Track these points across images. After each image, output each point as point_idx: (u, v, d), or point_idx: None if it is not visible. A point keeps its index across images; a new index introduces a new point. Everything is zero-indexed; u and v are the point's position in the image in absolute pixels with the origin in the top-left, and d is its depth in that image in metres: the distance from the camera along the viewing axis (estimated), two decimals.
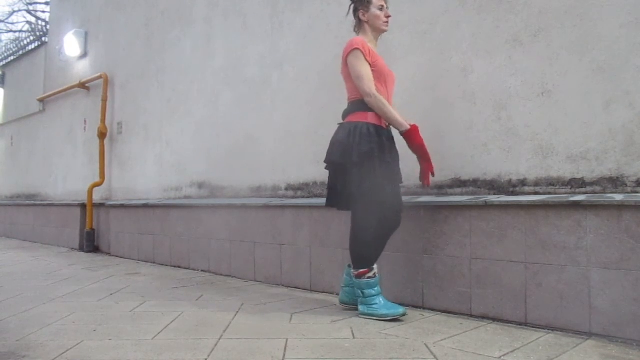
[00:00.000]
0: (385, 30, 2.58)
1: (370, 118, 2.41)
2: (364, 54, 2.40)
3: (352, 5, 2.59)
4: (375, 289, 2.40)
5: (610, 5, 2.18)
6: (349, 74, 2.48)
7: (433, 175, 2.46)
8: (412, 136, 2.38)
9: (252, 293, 3.12)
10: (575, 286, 2.13)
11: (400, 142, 2.49)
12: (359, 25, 2.58)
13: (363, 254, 2.41)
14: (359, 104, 2.45)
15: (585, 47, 2.24)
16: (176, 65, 4.69)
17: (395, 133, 2.50)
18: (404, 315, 2.35)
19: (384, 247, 2.53)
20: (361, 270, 2.41)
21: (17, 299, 2.97)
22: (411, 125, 2.38)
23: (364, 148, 2.35)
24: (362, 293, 2.41)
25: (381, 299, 2.40)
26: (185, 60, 4.59)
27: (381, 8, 2.53)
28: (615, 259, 2.03)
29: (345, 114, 2.52)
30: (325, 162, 2.52)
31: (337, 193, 2.49)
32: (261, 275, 3.55)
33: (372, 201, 2.38)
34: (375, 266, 2.43)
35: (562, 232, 2.17)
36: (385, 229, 2.46)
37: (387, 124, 2.47)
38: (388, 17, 2.55)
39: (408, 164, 2.54)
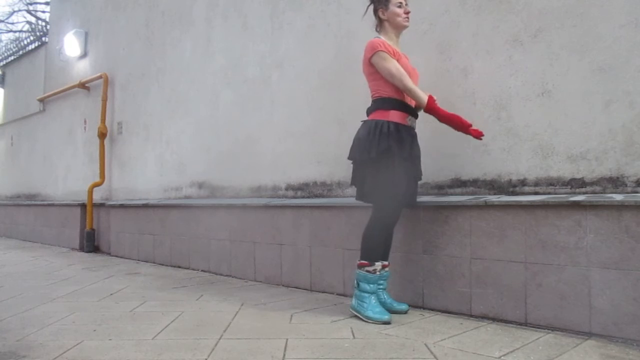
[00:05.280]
0: (406, 26, 2.57)
1: (391, 116, 2.44)
2: (388, 53, 2.43)
3: (372, 5, 2.60)
4: (371, 286, 2.42)
5: (610, 5, 2.18)
6: (370, 73, 2.52)
7: (473, 128, 2.36)
8: (432, 111, 2.40)
9: (252, 293, 3.12)
10: (575, 286, 2.13)
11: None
12: (380, 24, 2.59)
13: (367, 245, 2.45)
14: (381, 102, 2.49)
15: (585, 47, 2.24)
16: (176, 66, 4.69)
17: (418, 130, 2.54)
18: (387, 323, 2.32)
19: (389, 243, 2.55)
20: (362, 262, 2.45)
21: (17, 298, 2.97)
22: (428, 97, 2.40)
23: (382, 146, 2.39)
24: (358, 285, 2.45)
25: (373, 300, 2.41)
26: (185, 61, 4.59)
27: (400, 5, 2.53)
28: (615, 259, 2.03)
29: (368, 112, 2.56)
30: (348, 158, 2.57)
31: (360, 187, 2.54)
32: (261, 275, 3.55)
33: (387, 197, 2.42)
34: (378, 263, 2.44)
35: (562, 232, 2.17)
36: (391, 224, 2.50)
37: (409, 122, 2.49)
38: (407, 12, 2.55)
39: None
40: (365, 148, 2.43)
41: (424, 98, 2.39)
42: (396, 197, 2.41)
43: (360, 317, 2.40)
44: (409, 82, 2.40)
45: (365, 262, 2.43)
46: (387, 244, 2.56)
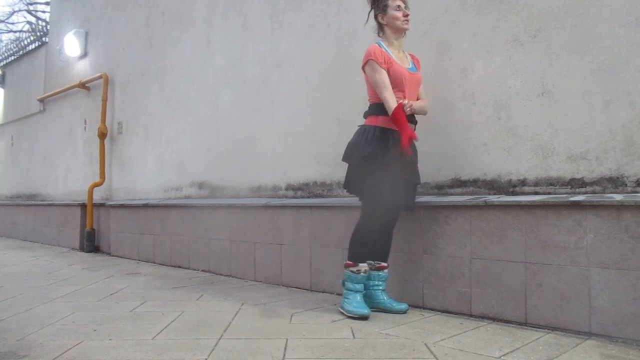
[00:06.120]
0: (406, 29, 2.57)
1: (380, 122, 2.48)
2: (378, 63, 2.45)
3: (372, 11, 2.61)
4: (356, 285, 2.48)
5: (610, 5, 2.18)
6: (366, 78, 2.57)
7: (411, 139, 2.39)
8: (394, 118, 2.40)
9: (252, 293, 3.12)
10: (575, 286, 2.13)
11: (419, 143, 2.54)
12: (380, 29, 2.61)
13: (352, 247, 2.51)
14: (374, 107, 2.54)
15: (585, 47, 2.24)
16: (176, 65, 4.69)
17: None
18: (365, 317, 2.38)
19: (381, 245, 2.56)
20: (347, 262, 2.51)
21: (18, 298, 2.97)
22: (396, 106, 2.38)
23: (365, 151, 2.45)
24: (343, 283, 2.52)
25: (358, 297, 2.46)
26: (185, 60, 4.59)
27: (398, 8, 2.53)
28: (615, 259, 2.03)
29: (364, 116, 2.61)
30: (342, 160, 2.64)
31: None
32: (261, 275, 3.55)
33: (371, 200, 2.47)
34: (362, 264, 2.47)
35: (562, 232, 2.17)
36: (381, 227, 2.50)
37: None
38: (406, 15, 2.55)
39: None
40: (352, 152, 2.52)
41: (392, 107, 2.38)
42: (380, 201, 2.43)
43: (344, 312, 2.45)
44: (387, 94, 2.43)
45: (350, 262, 2.49)
46: (385, 246, 2.58)
